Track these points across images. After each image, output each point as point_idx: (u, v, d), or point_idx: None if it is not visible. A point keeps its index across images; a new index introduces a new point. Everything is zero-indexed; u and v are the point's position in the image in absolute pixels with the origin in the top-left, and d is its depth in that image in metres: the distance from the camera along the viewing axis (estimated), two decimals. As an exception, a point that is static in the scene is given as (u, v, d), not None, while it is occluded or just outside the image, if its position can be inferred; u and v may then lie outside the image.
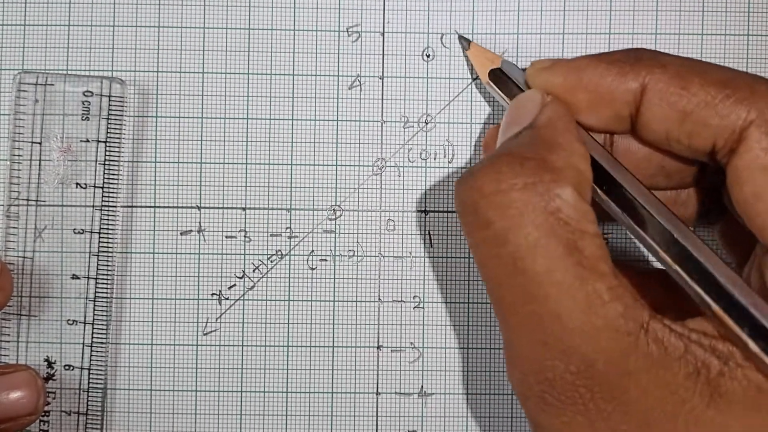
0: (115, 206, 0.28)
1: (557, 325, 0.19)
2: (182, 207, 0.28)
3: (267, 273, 0.28)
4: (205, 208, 0.28)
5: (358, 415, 0.28)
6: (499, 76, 0.26)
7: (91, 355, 0.27)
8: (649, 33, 0.28)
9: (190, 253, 0.28)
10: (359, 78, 0.29)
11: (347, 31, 0.29)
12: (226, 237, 0.28)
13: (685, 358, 0.19)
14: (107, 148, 0.27)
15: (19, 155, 0.27)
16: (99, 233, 0.27)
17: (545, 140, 0.21)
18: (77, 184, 0.27)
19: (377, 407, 0.28)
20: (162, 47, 0.28)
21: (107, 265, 0.28)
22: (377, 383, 0.28)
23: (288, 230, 0.28)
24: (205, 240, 0.28)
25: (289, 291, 0.28)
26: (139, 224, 0.28)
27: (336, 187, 0.28)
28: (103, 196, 0.27)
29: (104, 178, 0.27)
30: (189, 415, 0.28)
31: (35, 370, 0.25)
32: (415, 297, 0.28)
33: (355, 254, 0.28)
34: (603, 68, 0.22)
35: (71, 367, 0.27)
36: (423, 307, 0.28)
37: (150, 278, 0.28)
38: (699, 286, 0.20)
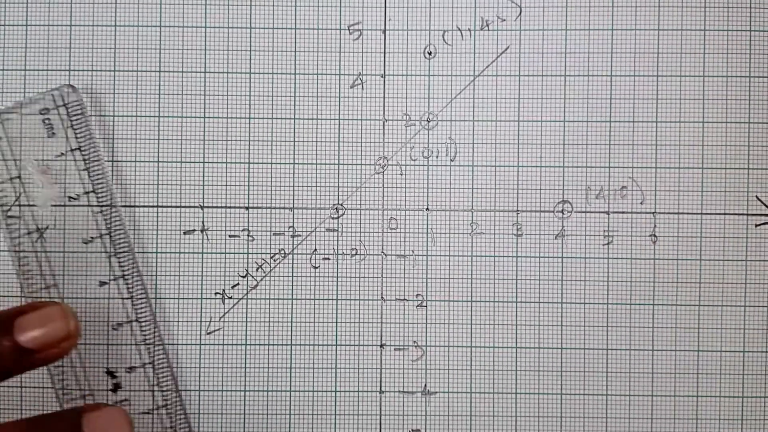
0: (115, 205, 0.28)
1: None
2: (185, 206, 0.28)
3: (270, 272, 0.28)
4: (208, 207, 0.28)
5: (361, 413, 0.28)
6: None
7: (149, 353, 0.28)
8: (651, 29, 0.28)
9: (193, 253, 0.28)
10: (361, 76, 0.28)
11: (349, 29, 0.28)
12: (230, 236, 0.28)
13: None
14: (83, 154, 0.27)
15: (4, 197, 0.27)
16: (110, 234, 0.28)
17: None
18: (69, 197, 0.27)
19: (380, 406, 0.28)
20: (164, 47, 0.28)
21: (130, 263, 0.28)
22: (380, 382, 0.28)
23: (291, 229, 0.28)
24: (208, 239, 0.28)
25: (292, 289, 0.28)
26: (142, 224, 0.28)
27: (338, 186, 0.28)
28: (98, 199, 0.27)
29: (92, 182, 0.27)
30: (192, 415, 0.28)
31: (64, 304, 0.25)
32: (418, 295, 0.28)
33: (358, 253, 0.28)
34: None
35: (133, 369, 0.28)
36: (426, 306, 0.28)
37: (153, 278, 0.28)
38: None
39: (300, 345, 0.28)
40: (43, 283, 0.28)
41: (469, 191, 0.28)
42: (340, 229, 0.28)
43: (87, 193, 0.28)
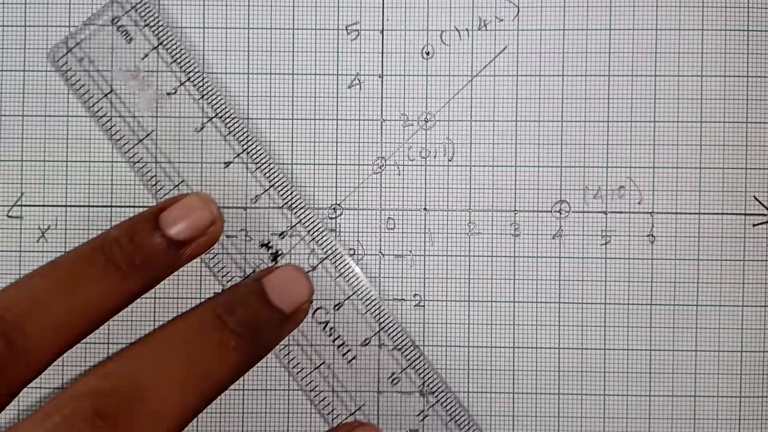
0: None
1: None
2: (184, 206, 0.28)
3: (268, 272, 0.29)
4: (206, 207, 0.28)
5: (359, 413, 0.28)
6: None
7: (294, 214, 0.28)
8: (649, 29, 0.28)
9: (192, 253, 0.29)
10: (359, 76, 0.29)
11: (346, 30, 0.29)
12: (227, 236, 0.28)
13: None
14: (166, 48, 0.27)
15: (108, 117, 0.28)
16: (218, 116, 0.28)
17: None
18: (168, 93, 0.28)
19: (378, 406, 0.28)
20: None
21: (246, 137, 0.28)
22: (378, 382, 0.28)
23: (289, 229, 0.28)
24: (206, 239, 0.28)
25: (290, 289, 0.28)
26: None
27: (336, 186, 0.28)
28: (196, 86, 0.28)
29: (184, 71, 0.28)
30: (191, 414, 0.28)
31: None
32: (415, 295, 0.28)
33: (356, 253, 0.28)
34: None
35: (284, 234, 0.28)
36: (423, 306, 0.28)
37: (152, 277, 0.28)
38: None
39: (298, 345, 0.28)
40: (171, 184, 0.28)
41: (467, 191, 0.28)
42: (337, 229, 0.29)
43: (182, 83, 0.28)
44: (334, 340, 0.28)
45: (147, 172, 0.28)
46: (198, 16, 0.28)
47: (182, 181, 0.28)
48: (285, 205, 0.28)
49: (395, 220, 0.28)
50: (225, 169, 0.28)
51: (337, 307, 0.28)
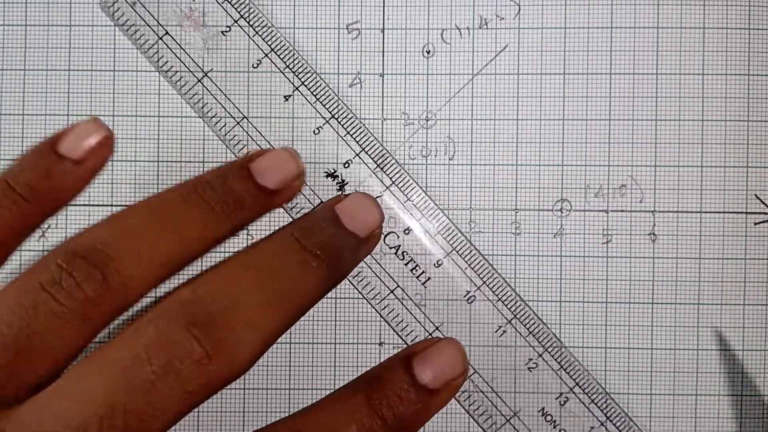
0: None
1: None
2: (184, 205, 0.28)
3: (269, 271, 0.28)
4: (207, 206, 0.28)
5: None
6: None
7: (355, 141, 0.28)
8: (650, 27, 0.28)
9: (192, 252, 0.28)
10: (359, 75, 0.28)
11: (347, 29, 0.28)
12: (229, 235, 0.28)
13: None
14: None
15: (161, 54, 0.28)
16: (274, 51, 0.28)
17: None
18: (221, 32, 0.28)
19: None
20: (164, 47, 0.28)
21: (306, 72, 0.28)
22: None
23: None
24: (207, 238, 0.28)
25: (291, 288, 0.28)
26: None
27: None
28: (251, 24, 0.28)
29: (238, 10, 0.28)
30: (191, 413, 0.28)
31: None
32: (416, 295, 0.28)
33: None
34: None
35: (349, 163, 0.28)
36: (425, 305, 0.28)
37: (153, 277, 0.28)
38: None
39: (299, 343, 0.28)
40: (233, 120, 0.28)
41: (468, 190, 0.28)
42: (338, 228, 0.28)
43: (236, 21, 0.28)
44: (406, 264, 0.28)
45: (208, 111, 0.28)
46: (199, 15, 0.28)
47: (244, 118, 0.28)
48: (348, 135, 0.28)
49: (396, 219, 0.28)
50: (285, 102, 0.28)
51: (407, 232, 0.28)
